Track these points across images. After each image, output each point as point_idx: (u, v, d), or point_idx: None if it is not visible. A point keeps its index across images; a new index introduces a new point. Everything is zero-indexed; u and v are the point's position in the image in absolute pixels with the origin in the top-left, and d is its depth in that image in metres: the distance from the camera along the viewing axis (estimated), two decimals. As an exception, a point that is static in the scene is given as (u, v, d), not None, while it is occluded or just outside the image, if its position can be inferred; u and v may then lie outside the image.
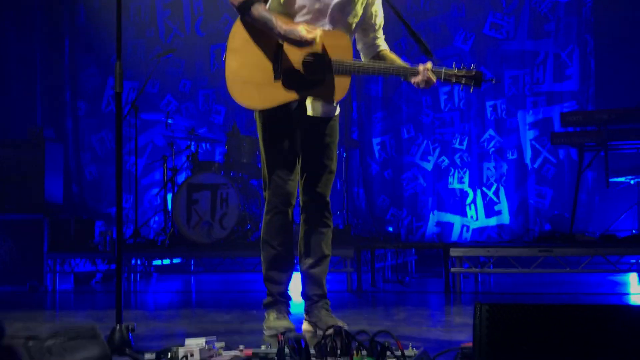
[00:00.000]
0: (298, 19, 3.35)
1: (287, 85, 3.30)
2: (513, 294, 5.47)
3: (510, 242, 7.31)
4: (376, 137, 8.75)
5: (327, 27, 3.35)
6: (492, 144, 8.31)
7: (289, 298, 3.58)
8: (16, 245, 6.48)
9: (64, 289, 6.49)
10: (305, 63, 3.29)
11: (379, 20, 3.57)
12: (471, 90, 3.33)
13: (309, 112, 3.41)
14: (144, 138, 8.85)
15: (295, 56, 3.29)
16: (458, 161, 8.42)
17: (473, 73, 3.28)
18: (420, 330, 3.58)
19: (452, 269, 5.56)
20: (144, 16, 9.25)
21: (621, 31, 7.67)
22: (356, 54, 3.54)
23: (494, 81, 3.38)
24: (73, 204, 8.77)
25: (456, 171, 8.42)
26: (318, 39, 3.25)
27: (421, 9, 8.64)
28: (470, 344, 2.14)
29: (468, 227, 8.32)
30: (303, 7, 3.33)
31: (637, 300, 5.05)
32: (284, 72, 3.29)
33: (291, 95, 3.30)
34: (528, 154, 8.20)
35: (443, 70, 3.31)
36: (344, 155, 7.45)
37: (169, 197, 7.05)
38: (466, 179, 8.38)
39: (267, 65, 3.30)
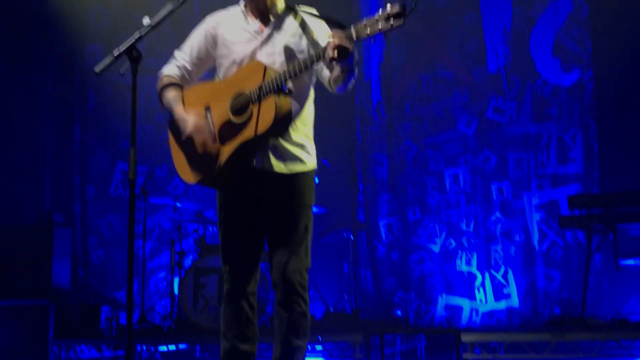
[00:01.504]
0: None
1: (224, 141, 3.03)
2: (526, 381, 5.37)
3: (521, 326, 7.22)
4: (382, 219, 8.76)
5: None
6: (498, 226, 8.31)
7: None
8: (21, 331, 6.40)
9: (69, 376, 6.39)
10: (232, 109, 3.03)
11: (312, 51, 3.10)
12: (392, 27, 2.70)
13: (264, 166, 3.08)
14: (151, 221, 8.87)
15: (223, 110, 3.05)
16: (465, 243, 8.40)
17: (396, 9, 2.66)
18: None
19: (465, 355, 5.48)
20: (153, 102, 9.43)
21: (624, 116, 7.78)
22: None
23: (415, 6, 2.73)
24: (79, 287, 8.73)
25: (464, 253, 8.39)
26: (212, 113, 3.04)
27: (424, 94, 8.78)
28: None
29: (477, 311, 8.22)
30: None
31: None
32: (218, 132, 3.05)
33: (229, 148, 3.01)
34: (535, 236, 8.18)
35: (352, 28, 2.79)
36: (352, 237, 7.44)
37: (176, 281, 7.01)
38: (474, 262, 8.34)
39: (203, 137, 3.09)
